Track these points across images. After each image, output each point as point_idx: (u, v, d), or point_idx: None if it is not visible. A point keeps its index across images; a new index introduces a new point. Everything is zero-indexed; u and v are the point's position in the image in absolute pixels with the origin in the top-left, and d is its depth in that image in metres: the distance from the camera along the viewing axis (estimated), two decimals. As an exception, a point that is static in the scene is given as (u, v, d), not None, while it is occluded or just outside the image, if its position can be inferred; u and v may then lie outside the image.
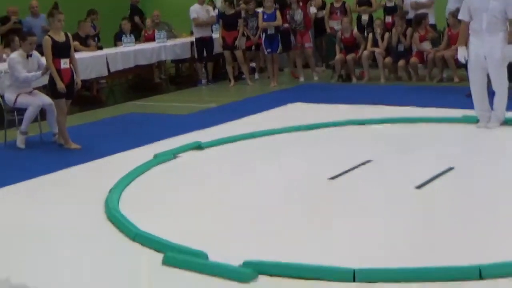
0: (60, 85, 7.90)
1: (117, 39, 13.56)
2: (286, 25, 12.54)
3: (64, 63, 7.98)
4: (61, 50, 7.99)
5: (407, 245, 4.39)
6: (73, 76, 8.12)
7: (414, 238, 4.53)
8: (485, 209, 5.00)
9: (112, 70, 11.78)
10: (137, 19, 15.24)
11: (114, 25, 14.56)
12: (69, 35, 8.26)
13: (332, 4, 13.48)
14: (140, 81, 13.60)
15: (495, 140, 7.16)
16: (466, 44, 7.65)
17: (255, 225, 4.97)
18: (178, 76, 14.36)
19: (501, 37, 7.39)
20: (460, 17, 7.84)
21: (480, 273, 3.73)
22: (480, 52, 7.42)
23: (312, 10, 13.52)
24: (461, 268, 3.80)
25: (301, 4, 12.53)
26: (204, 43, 13.01)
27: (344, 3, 13.30)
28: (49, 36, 8.02)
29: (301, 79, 12.59)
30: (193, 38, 13.33)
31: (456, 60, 10.72)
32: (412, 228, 4.72)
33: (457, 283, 3.72)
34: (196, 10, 12.92)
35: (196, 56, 13.22)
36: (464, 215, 4.92)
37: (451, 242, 4.38)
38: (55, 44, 7.93)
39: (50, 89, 8.22)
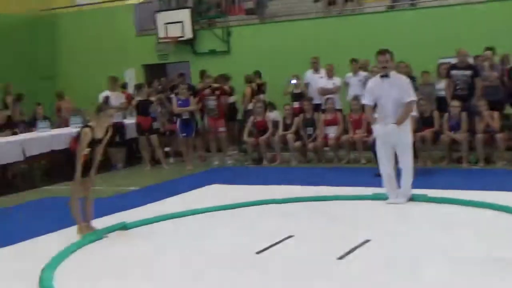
0: (78, 178, 7.32)
1: (31, 125, 13.60)
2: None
3: (86, 151, 7.38)
4: (92, 144, 7.40)
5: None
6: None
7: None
8: (402, 277, 5.48)
9: (28, 155, 11.78)
10: None
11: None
12: (110, 130, 7.58)
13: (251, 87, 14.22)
14: (54, 166, 13.57)
15: (404, 215, 7.75)
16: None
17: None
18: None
19: (406, 121, 8.09)
20: (364, 101, 8.54)
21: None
22: (389, 137, 8.08)
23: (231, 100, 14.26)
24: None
25: (217, 93, 13.06)
26: (116, 128, 13.23)
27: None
28: (91, 129, 7.35)
29: (216, 162, 12.98)
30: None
31: (364, 142, 11.51)
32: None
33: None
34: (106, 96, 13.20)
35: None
36: (383, 282, 5.37)
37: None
38: (91, 140, 7.33)
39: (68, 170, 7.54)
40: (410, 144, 8.17)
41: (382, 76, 8.12)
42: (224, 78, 14.55)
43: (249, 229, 7.38)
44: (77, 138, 7.42)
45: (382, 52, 8.12)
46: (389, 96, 8.03)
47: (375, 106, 8.30)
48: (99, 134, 7.42)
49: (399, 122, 7.98)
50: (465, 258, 5.82)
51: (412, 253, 6.14)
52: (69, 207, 7.54)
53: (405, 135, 8.08)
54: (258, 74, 14.55)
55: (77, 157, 7.32)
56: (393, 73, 8.16)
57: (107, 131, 7.52)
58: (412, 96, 8.12)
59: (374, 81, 8.33)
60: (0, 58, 17.86)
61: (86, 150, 7.37)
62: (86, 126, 7.48)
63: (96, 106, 7.74)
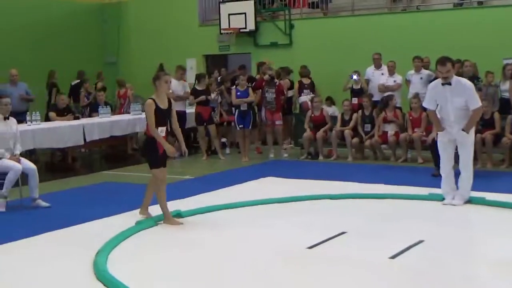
0: (170, 150, 7.30)
1: (92, 110, 13.87)
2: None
3: (161, 131, 7.32)
4: (161, 118, 7.29)
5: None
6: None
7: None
8: (453, 280, 5.38)
9: (88, 139, 12.02)
10: None
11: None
12: (172, 101, 7.61)
13: (301, 81, 14.20)
14: (114, 152, 13.87)
15: (460, 217, 7.61)
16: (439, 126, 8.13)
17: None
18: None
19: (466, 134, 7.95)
20: (425, 105, 8.37)
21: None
22: (452, 137, 8.00)
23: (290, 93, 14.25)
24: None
25: (277, 85, 13.07)
26: (177, 117, 13.32)
27: (312, 81, 14.07)
28: (153, 99, 7.29)
29: (271, 155, 13.00)
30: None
31: (422, 142, 11.33)
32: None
33: None
34: (173, 85, 13.27)
35: (169, 129, 13.56)
36: (433, 284, 5.29)
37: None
38: (157, 110, 7.23)
39: (147, 158, 7.57)
40: (472, 144, 8.05)
41: (443, 84, 7.92)
42: (287, 71, 14.56)
43: (302, 223, 7.36)
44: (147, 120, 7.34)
45: (442, 62, 7.84)
46: (452, 103, 7.89)
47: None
48: (162, 105, 7.31)
49: (467, 129, 7.87)
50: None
51: (464, 257, 6.04)
52: (157, 196, 7.53)
53: (467, 135, 7.95)
54: (304, 68, 14.49)
55: (155, 135, 7.23)
56: (455, 80, 7.91)
57: (170, 103, 7.44)
58: (478, 103, 7.91)
59: (436, 86, 8.09)
60: (70, 44, 18.31)
61: (162, 130, 7.31)
62: (148, 99, 7.37)
63: (154, 75, 7.59)
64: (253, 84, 13.47)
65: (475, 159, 10.87)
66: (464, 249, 6.31)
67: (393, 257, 5.95)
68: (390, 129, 12.13)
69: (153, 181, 7.62)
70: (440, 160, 8.23)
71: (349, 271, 5.64)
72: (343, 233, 6.82)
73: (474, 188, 8.26)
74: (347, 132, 12.38)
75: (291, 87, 14.44)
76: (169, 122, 7.56)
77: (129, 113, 13.84)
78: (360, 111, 12.63)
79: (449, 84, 7.84)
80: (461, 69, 11.78)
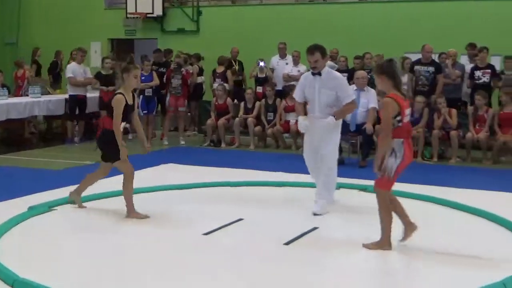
0: (124, 154, 7.07)
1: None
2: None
3: (122, 127, 7.06)
4: (125, 114, 6.89)
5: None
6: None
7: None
8: (343, 266, 5.54)
9: (-18, 122, 11.58)
10: None
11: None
12: (135, 94, 7.25)
13: (214, 69, 14.19)
14: (10, 135, 13.39)
15: (355, 205, 7.73)
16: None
17: (131, 274, 5.21)
18: (49, 132, 14.25)
19: (332, 122, 7.38)
20: (294, 96, 7.86)
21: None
22: (314, 138, 7.50)
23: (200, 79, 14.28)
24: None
25: (184, 72, 12.99)
26: (77, 102, 13.03)
27: (225, 70, 14.05)
28: (122, 94, 6.80)
29: (165, 142, 12.96)
30: (67, 95, 13.31)
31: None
32: (279, 281, 5.10)
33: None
34: (73, 69, 12.93)
35: (68, 113, 13.25)
36: (326, 269, 5.45)
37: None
38: (125, 106, 6.80)
39: (108, 152, 7.20)
40: (336, 142, 7.55)
41: (314, 74, 7.42)
42: (196, 57, 14.50)
43: (199, 210, 7.34)
44: (109, 114, 6.88)
45: (310, 51, 7.24)
46: (319, 95, 7.33)
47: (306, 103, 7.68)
48: (129, 100, 6.87)
49: (337, 116, 7.30)
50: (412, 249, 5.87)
51: (354, 245, 6.10)
52: (123, 192, 7.15)
53: (331, 129, 7.38)
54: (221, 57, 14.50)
55: (116, 131, 6.87)
56: (326, 71, 7.39)
57: (133, 97, 7.06)
58: (351, 97, 7.44)
59: (307, 77, 7.58)
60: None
61: (123, 125, 7.01)
62: (117, 93, 6.90)
63: (122, 67, 7.08)
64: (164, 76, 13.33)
65: (373, 149, 11.16)
66: (355, 237, 6.40)
67: (287, 243, 6.02)
68: (292, 118, 12.26)
69: (125, 180, 7.24)
70: (307, 166, 7.76)
71: (243, 258, 5.67)
72: (240, 219, 6.85)
73: (369, 177, 8.37)
74: (250, 120, 12.44)
75: (200, 73, 14.40)
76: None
77: (27, 95, 13.37)
78: (263, 100, 12.71)
79: (319, 74, 7.35)
80: (362, 61, 12.06)
